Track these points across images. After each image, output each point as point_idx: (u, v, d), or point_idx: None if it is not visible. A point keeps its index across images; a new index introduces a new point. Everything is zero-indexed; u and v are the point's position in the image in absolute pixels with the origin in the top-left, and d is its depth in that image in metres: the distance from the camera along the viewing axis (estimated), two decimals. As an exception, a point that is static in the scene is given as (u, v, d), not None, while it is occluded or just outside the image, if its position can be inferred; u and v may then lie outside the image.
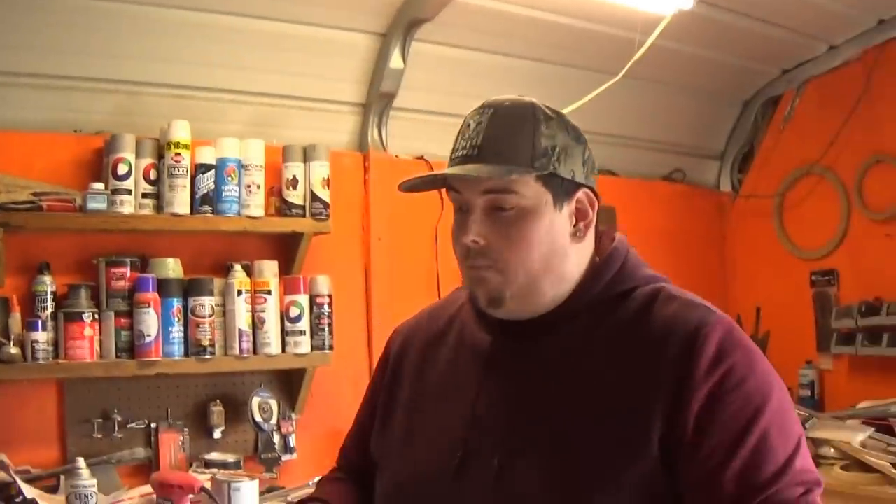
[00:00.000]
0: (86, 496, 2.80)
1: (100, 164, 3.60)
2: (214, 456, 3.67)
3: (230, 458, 3.66)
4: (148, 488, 3.17)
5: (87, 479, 2.82)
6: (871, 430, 3.98)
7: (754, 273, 5.40)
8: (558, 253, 1.59)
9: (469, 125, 1.59)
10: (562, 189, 1.58)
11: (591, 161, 1.64)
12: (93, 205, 3.43)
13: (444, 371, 1.74)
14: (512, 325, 1.63)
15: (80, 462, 2.85)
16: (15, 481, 3.05)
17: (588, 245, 1.66)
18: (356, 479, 1.88)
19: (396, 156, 4.36)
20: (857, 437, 3.92)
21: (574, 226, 1.61)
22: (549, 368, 1.59)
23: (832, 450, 3.99)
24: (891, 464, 3.68)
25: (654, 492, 1.46)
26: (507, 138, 1.55)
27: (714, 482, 1.44)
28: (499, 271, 1.57)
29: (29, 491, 3.04)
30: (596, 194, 1.65)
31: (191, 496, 3.07)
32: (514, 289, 1.57)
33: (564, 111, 1.63)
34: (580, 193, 1.61)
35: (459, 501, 1.56)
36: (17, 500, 3.02)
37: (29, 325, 3.34)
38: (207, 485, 3.09)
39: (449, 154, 1.62)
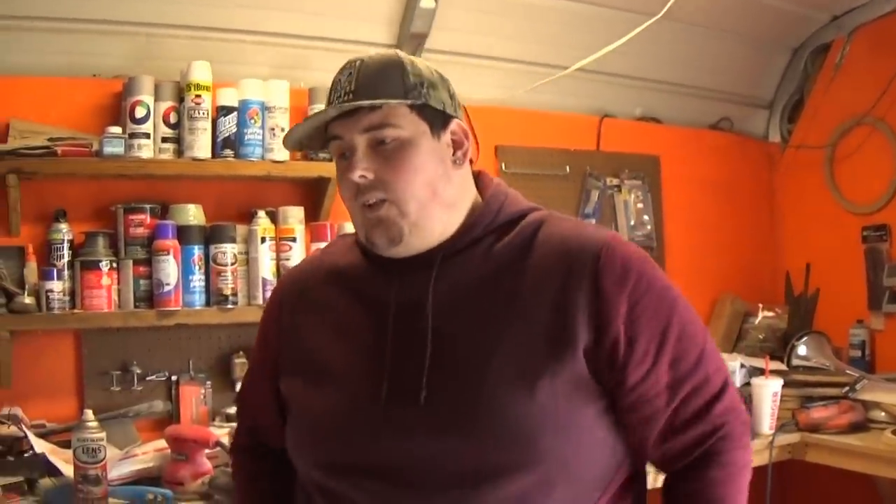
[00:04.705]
0: (94, 450, 2.66)
1: (118, 109, 3.46)
2: (237, 409, 3.54)
3: (253, 411, 3.52)
4: (162, 442, 3.07)
5: (95, 433, 2.67)
6: (924, 394, 3.84)
7: (804, 228, 5.19)
8: (443, 179, 1.69)
9: (339, 80, 1.69)
10: (436, 119, 1.69)
11: (457, 99, 1.76)
12: (109, 149, 3.29)
13: (345, 311, 1.77)
14: (410, 259, 1.70)
15: (89, 414, 2.72)
16: (26, 435, 2.95)
17: (469, 176, 1.78)
18: (262, 456, 1.97)
19: (429, 98, 4.16)
20: (909, 400, 3.78)
21: (453, 154, 1.72)
22: (458, 291, 1.67)
23: (883, 413, 3.88)
24: (944, 429, 3.54)
25: (581, 398, 1.60)
26: (379, 79, 1.66)
27: (652, 378, 1.62)
28: (392, 202, 1.64)
29: (40, 445, 2.93)
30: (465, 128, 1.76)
31: (206, 451, 2.98)
32: (409, 219, 1.65)
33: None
34: (453, 125, 1.73)
35: (393, 423, 1.62)
36: (27, 454, 2.92)
37: (44, 275, 3.22)
38: (224, 440, 2.99)
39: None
